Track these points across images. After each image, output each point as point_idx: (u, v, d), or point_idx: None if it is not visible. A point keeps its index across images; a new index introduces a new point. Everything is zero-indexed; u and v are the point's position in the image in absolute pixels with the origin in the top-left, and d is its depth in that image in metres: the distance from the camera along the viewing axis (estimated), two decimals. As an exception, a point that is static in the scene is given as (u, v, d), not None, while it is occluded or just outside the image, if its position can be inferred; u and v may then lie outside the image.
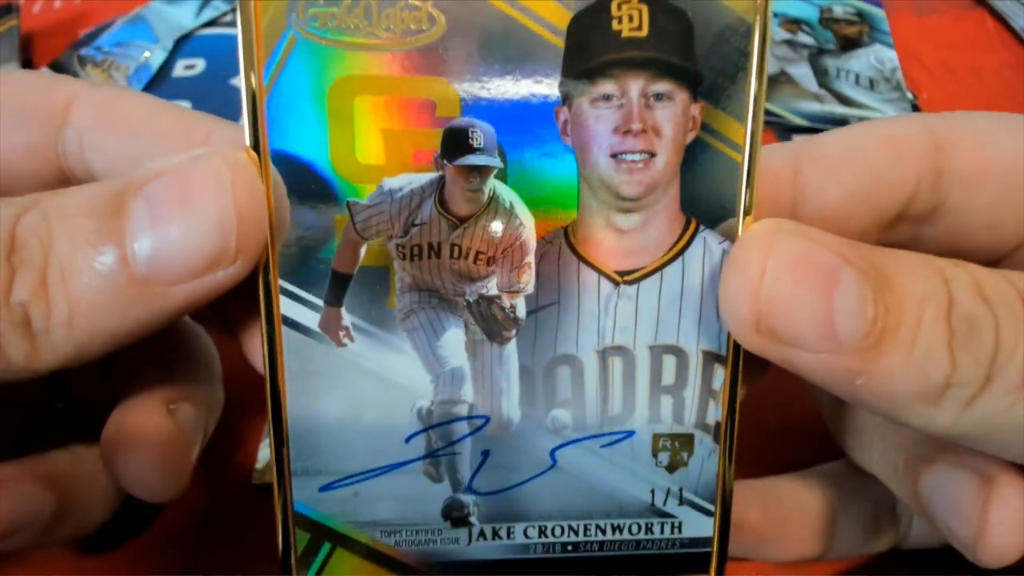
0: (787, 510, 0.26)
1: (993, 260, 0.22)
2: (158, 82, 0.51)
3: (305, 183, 0.19)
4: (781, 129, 0.46)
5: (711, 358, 0.21)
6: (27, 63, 0.53)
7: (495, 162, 0.19)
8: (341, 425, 0.20)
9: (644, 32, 0.19)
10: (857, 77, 0.48)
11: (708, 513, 0.21)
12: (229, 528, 0.30)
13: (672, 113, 0.19)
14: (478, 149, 0.19)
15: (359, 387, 0.20)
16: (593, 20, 0.19)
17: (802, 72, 0.47)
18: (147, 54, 0.50)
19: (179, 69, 0.51)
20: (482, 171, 0.19)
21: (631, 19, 0.19)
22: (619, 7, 0.19)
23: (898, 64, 0.49)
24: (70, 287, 0.17)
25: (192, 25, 0.54)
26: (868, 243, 0.19)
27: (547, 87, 0.19)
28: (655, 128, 0.19)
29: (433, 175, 0.19)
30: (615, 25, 0.19)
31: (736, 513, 0.25)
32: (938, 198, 0.22)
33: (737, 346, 0.20)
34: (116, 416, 0.22)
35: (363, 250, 0.20)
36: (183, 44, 0.53)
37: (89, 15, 0.56)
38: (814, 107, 0.46)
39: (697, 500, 0.21)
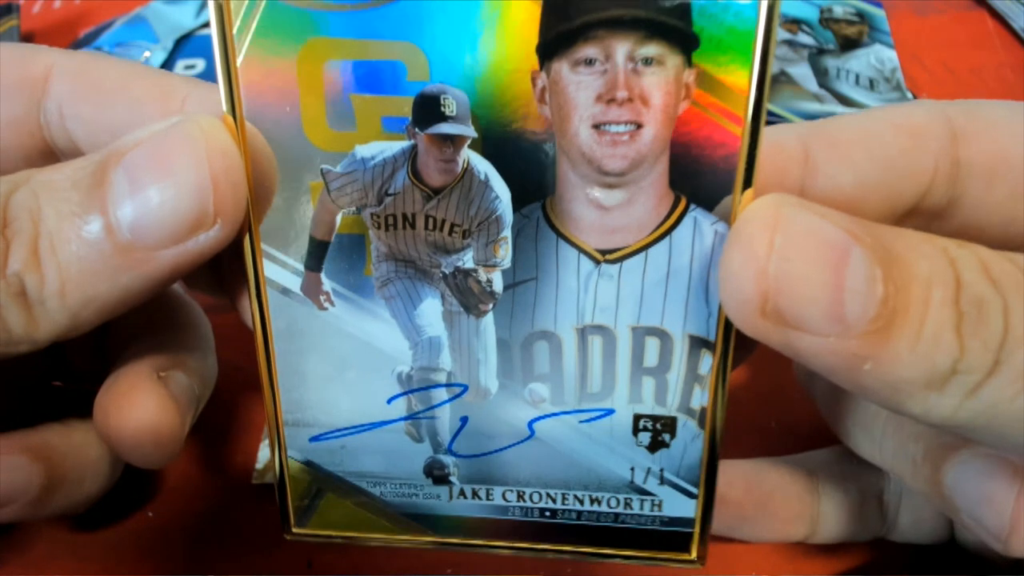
0: (770, 490, 0.26)
1: None
2: (158, 82, 0.51)
3: (279, 149, 0.19)
4: None
5: (698, 343, 0.19)
6: (28, 62, 0.54)
7: (468, 131, 0.18)
8: (326, 383, 0.21)
9: (632, -13, 0.17)
10: (857, 77, 0.47)
11: (690, 495, 0.21)
12: (229, 528, 0.30)
13: (663, 80, 0.17)
14: (450, 117, 0.18)
15: (342, 349, 0.21)
16: (574, -26, 0.17)
17: (802, 72, 0.47)
18: (147, 54, 0.50)
19: (179, 69, 0.50)
20: (455, 141, 0.18)
21: (618, -28, 0.17)
22: (604, -42, 0.17)
23: (898, 64, 0.49)
24: (60, 256, 0.18)
25: (192, 25, 0.53)
26: None
27: (523, 50, 0.17)
28: (642, 96, 0.18)
29: (405, 143, 0.19)
30: (599, -21, 0.17)
31: (719, 490, 0.25)
32: (954, 191, 0.20)
33: (727, 332, 0.19)
34: (108, 383, 0.23)
35: (339, 218, 0.20)
36: (183, 44, 0.52)
37: (89, 15, 0.55)
38: (814, 107, 0.45)
39: (679, 481, 0.21)
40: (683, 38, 0.17)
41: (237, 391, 0.33)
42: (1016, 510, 0.20)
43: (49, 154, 0.23)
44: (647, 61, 0.17)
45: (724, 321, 0.19)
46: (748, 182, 0.18)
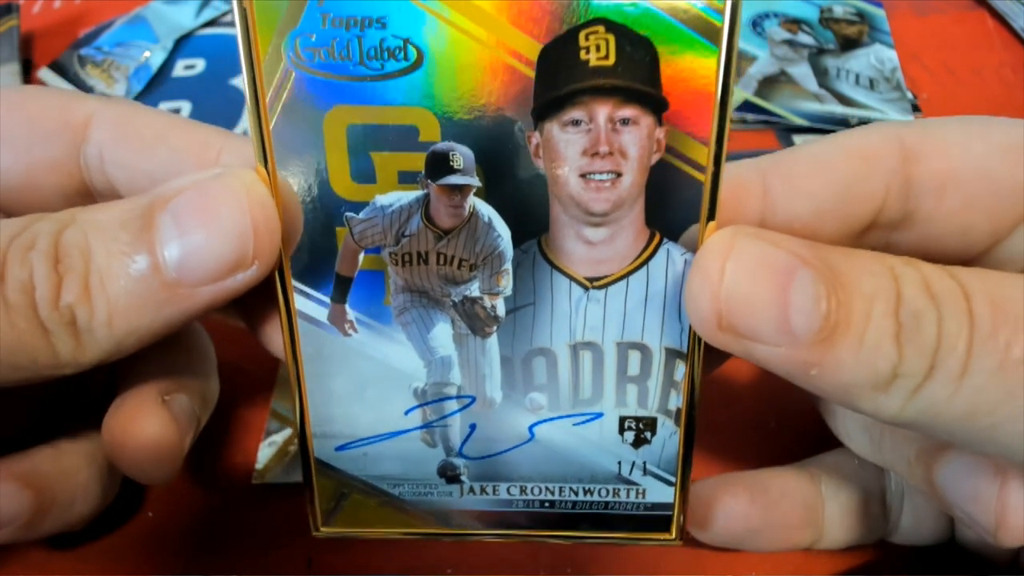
0: (776, 500, 0.27)
1: (965, 262, 0.23)
2: (158, 82, 0.50)
3: (310, 200, 0.22)
4: (781, 129, 0.44)
5: (673, 354, 0.23)
6: (27, 63, 0.53)
7: (474, 181, 0.21)
8: (350, 399, 0.24)
9: (611, 61, 0.20)
10: (857, 77, 0.47)
11: (669, 483, 0.24)
12: (229, 528, 0.31)
13: (637, 136, 0.21)
14: (458, 170, 0.21)
15: (364, 369, 0.24)
16: (561, 51, 0.20)
17: (802, 72, 0.47)
18: (147, 54, 0.50)
19: (179, 69, 0.50)
20: (463, 190, 0.21)
21: (598, 49, 0.20)
22: (587, 37, 0.20)
23: (898, 64, 0.49)
24: (109, 290, 0.20)
25: (192, 25, 0.53)
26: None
27: (520, 114, 0.21)
28: (621, 150, 0.21)
29: (419, 193, 0.22)
30: (583, 55, 0.20)
31: (725, 503, 0.27)
32: (908, 207, 0.22)
33: (697, 343, 0.23)
34: (115, 405, 0.24)
35: (361, 257, 0.22)
36: (183, 44, 0.52)
37: (89, 15, 0.55)
38: (814, 107, 0.45)
39: (659, 472, 0.24)
40: (654, 102, 0.20)
41: (238, 392, 0.34)
42: (1000, 504, 0.21)
43: (86, 194, 0.25)
44: (624, 121, 0.21)
45: (693, 335, 0.22)
46: (712, 217, 0.21)
